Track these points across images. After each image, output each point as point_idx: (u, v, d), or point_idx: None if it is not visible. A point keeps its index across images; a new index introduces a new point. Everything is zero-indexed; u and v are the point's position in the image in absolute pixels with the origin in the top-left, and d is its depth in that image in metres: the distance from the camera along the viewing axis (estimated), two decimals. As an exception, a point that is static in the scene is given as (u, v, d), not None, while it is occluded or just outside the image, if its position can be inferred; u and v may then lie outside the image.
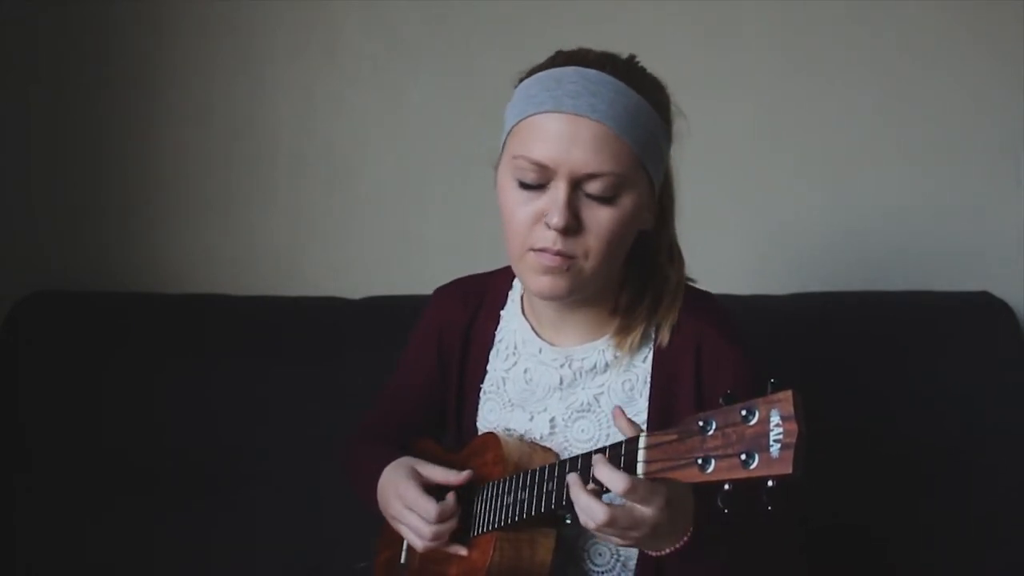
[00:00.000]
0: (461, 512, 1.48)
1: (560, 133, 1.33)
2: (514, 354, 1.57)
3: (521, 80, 1.42)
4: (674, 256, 1.49)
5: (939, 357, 2.05)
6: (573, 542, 1.51)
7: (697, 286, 1.53)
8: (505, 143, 1.42)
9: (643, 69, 1.42)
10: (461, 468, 1.53)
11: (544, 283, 1.38)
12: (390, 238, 2.37)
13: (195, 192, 2.36)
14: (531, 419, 1.54)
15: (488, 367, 1.60)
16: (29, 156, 2.34)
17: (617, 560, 1.52)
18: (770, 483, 1.01)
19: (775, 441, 1.01)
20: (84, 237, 2.36)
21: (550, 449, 1.50)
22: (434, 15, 2.30)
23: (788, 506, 1.02)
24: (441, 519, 1.44)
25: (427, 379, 1.67)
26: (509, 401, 1.57)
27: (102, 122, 2.32)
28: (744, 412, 1.05)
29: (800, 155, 2.27)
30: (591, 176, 1.33)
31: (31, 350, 2.15)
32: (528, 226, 1.37)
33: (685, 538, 1.27)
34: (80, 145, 2.33)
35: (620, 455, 1.22)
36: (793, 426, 1.00)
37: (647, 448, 1.18)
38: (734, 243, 2.25)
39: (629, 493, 1.19)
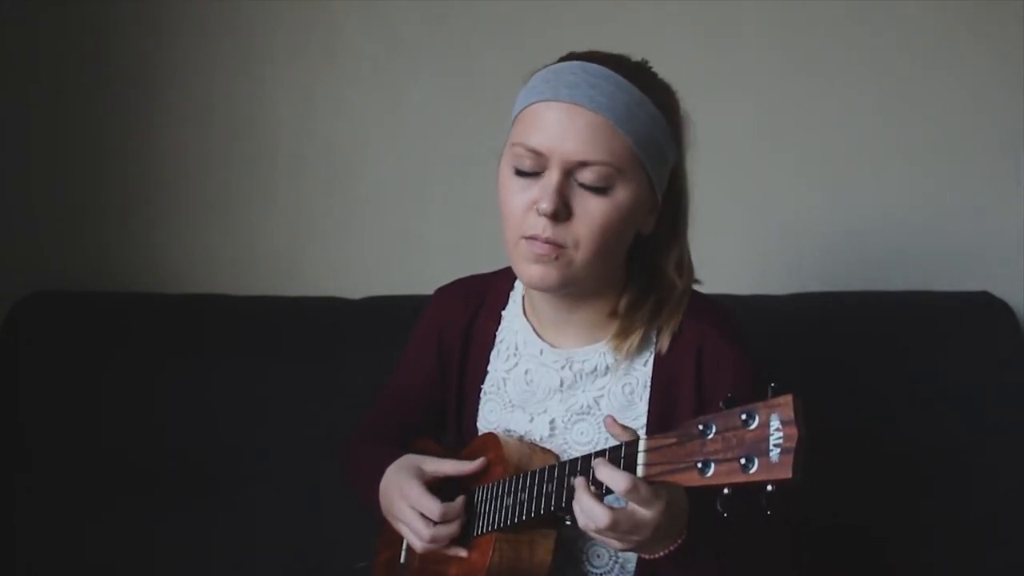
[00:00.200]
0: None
1: (556, 121, 1.35)
2: (515, 355, 1.57)
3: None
4: (684, 267, 1.48)
5: (939, 357, 2.05)
6: (572, 543, 1.51)
7: (698, 288, 1.53)
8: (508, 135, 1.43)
9: (653, 73, 1.43)
10: (462, 468, 1.55)
11: (535, 272, 1.39)
12: (390, 238, 2.36)
13: (195, 192, 2.36)
14: (531, 420, 1.54)
15: (489, 367, 1.60)
16: (29, 156, 2.34)
17: (616, 562, 1.52)
18: (769, 487, 1.01)
19: (775, 445, 1.01)
20: (84, 237, 2.36)
21: (550, 450, 1.50)
22: (434, 15, 2.29)
23: (784, 509, 1.02)
24: (445, 519, 1.45)
25: (427, 379, 1.67)
26: (509, 402, 1.57)
27: (102, 122, 2.32)
28: (744, 416, 1.05)
29: (800, 155, 2.27)
30: (583, 164, 1.34)
31: (31, 350, 2.15)
32: (522, 213, 1.38)
33: (679, 541, 1.27)
34: (80, 145, 2.33)
35: (620, 457, 1.22)
36: (793, 431, 1.00)
37: (647, 451, 1.18)
38: (734, 243, 2.25)
39: (631, 493, 1.19)
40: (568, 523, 1.31)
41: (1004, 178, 2.22)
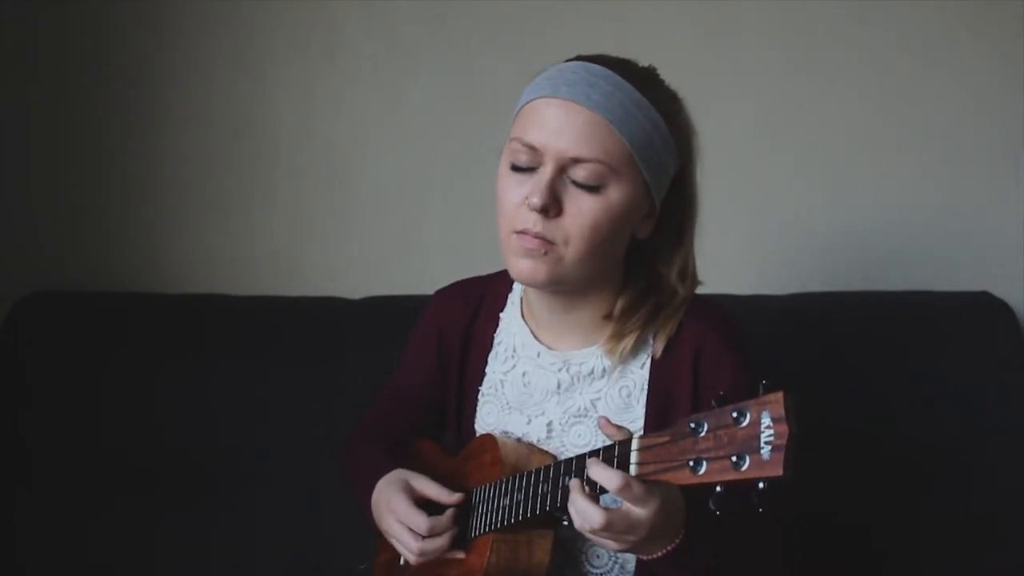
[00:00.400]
0: (458, 514, 1.48)
1: (553, 117, 1.35)
2: (512, 357, 1.57)
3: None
4: (687, 275, 1.48)
5: (939, 357, 2.05)
6: (571, 544, 1.51)
7: (698, 288, 1.52)
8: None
9: (660, 79, 1.43)
10: (459, 470, 1.55)
11: (524, 267, 1.39)
12: (390, 238, 2.36)
13: (195, 192, 2.36)
14: (528, 422, 1.54)
15: (487, 369, 1.60)
16: (29, 156, 2.34)
17: (615, 562, 1.52)
18: (761, 485, 1.01)
19: (766, 443, 1.01)
20: (84, 237, 2.36)
21: (548, 452, 1.50)
22: (434, 15, 2.29)
23: (776, 507, 1.02)
24: (432, 534, 1.45)
25: (427, 379, 1.67)
26: (507, 404, 1.57)
27: (102, 122, 2.32)
28: (735, 414, 1.05)
29: (800, 155, 2.26)
30: (576, 161, 1.34)
31: (31, 350, 2.16)
32: (515, 208, 1.38)
33: (676, 540, 1.27)
34: (80, 145, 2.34)
35: (613, 457, 1.22)
36: (784, 428, 1.00)
37: (639, 450, 1.18)
38: (734, 243, 2.24)
39: (624, 491, 1.19)
40: (565, 523, 1.32)
41: (1004, 178, 2.22)
